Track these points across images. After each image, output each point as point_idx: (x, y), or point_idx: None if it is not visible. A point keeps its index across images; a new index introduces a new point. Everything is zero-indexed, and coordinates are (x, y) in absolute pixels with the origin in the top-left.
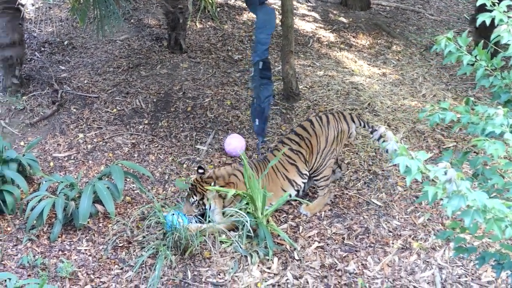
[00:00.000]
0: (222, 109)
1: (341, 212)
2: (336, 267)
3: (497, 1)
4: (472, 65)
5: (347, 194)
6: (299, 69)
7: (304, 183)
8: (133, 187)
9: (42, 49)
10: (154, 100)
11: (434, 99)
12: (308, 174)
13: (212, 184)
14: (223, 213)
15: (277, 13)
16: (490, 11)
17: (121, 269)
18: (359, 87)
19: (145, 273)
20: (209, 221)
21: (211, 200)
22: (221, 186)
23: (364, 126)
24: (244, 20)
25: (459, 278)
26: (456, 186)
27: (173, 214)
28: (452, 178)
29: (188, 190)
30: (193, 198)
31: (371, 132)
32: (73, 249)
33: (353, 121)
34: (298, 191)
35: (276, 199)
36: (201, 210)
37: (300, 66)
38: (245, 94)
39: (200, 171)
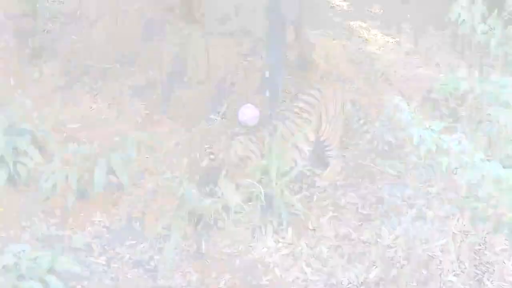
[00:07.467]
0: (236, 79)
1: (354, 181)
2: (350, 236)
3: None
4: (486, 33)
5: (361, 163)
6: (312, 38)
7: (309, 151)
8: (147, 157)
9: (54, 19)
10: (167, 70)
11: (448, 68)
12: (313, 141)
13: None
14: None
15: None
16: None
17: (135, 240)
18: (373, 56)
19: (159, 244)
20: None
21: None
22: None
23: None
24: None
25: (473, 246)
26: (470, 157)
27: None
28: (466, 149)
29: None
30: None
31: None
32: (87, 221)
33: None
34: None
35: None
36: None
37: (313, 35)
38: (259, 64)
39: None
